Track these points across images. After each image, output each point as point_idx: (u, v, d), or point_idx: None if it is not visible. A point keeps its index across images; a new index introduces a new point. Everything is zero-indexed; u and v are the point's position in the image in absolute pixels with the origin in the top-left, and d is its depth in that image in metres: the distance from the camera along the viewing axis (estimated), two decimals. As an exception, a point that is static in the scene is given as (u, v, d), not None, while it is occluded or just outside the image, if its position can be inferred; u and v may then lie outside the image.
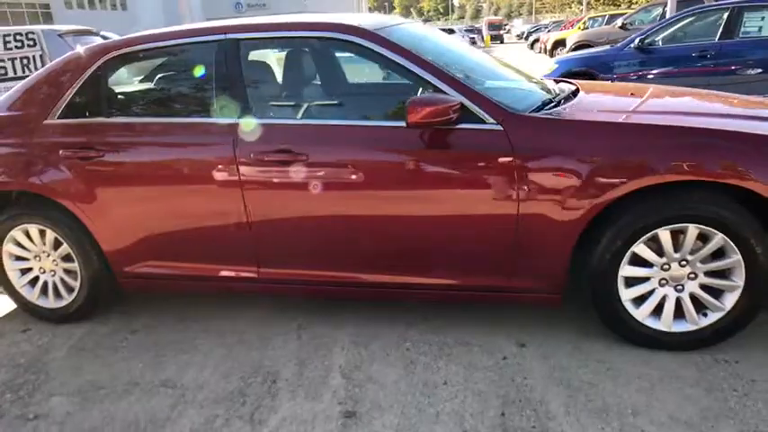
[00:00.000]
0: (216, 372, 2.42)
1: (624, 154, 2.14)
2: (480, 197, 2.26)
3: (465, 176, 2.26)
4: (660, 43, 6.78)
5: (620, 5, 36.71)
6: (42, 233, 2.81)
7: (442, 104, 2.17)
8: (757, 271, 2.15)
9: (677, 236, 2.19)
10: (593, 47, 10.07)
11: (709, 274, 2.23)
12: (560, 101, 2.56)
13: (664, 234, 2.18)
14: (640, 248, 2.21)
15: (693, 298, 2.26)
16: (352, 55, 2.63)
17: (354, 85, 3.48)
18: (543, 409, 2.06)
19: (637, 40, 6.79)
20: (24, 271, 2.93)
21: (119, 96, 2.88)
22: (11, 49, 6.56)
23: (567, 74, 7.23)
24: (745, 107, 2.65)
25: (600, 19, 18.68)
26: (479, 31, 37.88)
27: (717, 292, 2.24)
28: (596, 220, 2.20)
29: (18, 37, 6.53)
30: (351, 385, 2.26)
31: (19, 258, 2.91)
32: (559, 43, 17.00)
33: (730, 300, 2.22)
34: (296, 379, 2.32)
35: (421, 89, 2.41)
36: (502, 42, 39.83)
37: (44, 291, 2.92)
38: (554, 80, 3.28)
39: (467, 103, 2.26)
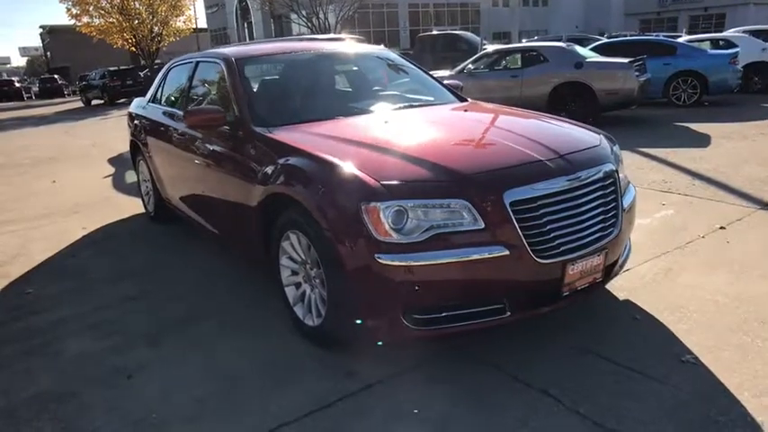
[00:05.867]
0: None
1: (271, 164, 2.70)
2: (228, 178, 3.14)
3: (219, 160, 3.22)
4: None
5: None
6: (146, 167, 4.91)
7: (209, 115, 3.15)
8: (333, 289, 2.39)
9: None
10: None
11: (322, 282, 2.52)
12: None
13: (292, 236, 2.63)
14: (286, 244, 2.70)
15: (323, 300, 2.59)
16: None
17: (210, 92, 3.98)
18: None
19: None
20: (146, 186, 5.10)
21: (162, 92, 4.65)
22: None
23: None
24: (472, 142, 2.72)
25: None
26: None
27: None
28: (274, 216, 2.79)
29: None
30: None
31: (145, 180, 5.10)
32: None
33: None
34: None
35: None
36: None
37: (150, 200, 5.05)
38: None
39: (242, 116, 3.12)
